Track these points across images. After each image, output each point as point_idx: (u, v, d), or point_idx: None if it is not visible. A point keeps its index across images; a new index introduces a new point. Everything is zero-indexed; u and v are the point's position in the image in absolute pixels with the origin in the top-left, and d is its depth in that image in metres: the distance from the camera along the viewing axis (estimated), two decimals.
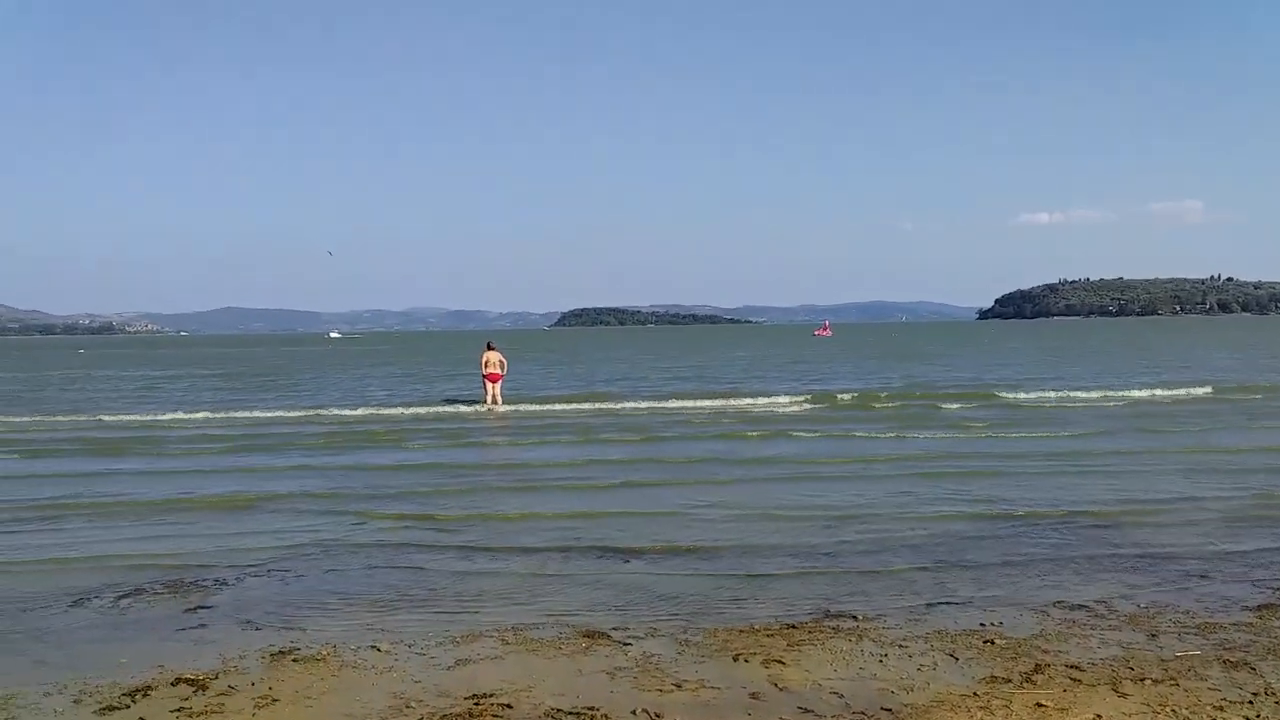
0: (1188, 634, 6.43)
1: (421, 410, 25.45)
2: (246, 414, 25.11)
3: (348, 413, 24.81)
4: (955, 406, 24.15)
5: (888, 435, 18.31)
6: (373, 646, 6.40)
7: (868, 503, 11.45)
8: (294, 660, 6.14)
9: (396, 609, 7.37)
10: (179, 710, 5.31)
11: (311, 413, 25.11)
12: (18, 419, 24.49)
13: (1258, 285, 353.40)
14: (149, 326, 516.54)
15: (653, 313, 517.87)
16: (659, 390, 31.16)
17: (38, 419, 24.42)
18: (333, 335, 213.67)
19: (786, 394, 28.13)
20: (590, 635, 6.57)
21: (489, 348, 26.04)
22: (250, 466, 15.46)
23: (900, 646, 6.26)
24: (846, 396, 27.04)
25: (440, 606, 7.42)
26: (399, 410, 25.38)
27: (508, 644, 6.43)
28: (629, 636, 6.55)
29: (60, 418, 24.78)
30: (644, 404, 26.13)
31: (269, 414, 25.05)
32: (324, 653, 6.27)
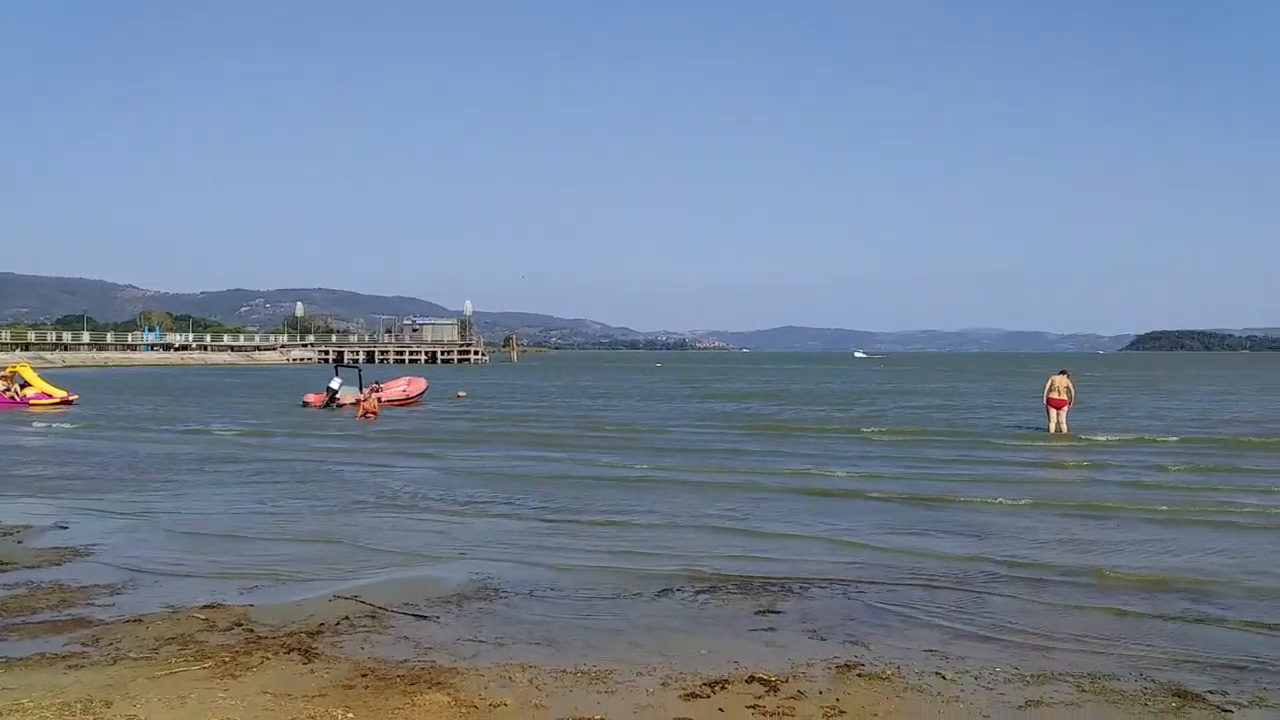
0: None
1: (968, 433, 24.88)
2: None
3: (873, 430, 24.90)
4: None
5: None
6: (937, 673, 6.25)
7: None
8: (859, 675, 6.18)
9: (959, 636, 7.14)
10: (753, 708, 5.57)
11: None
12: None
13: None
14: (715, 344, 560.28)
15: (1247, 336, 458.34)
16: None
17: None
18: (857, 355, 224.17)
19: None
20: (1181, 695, 5.86)
21: (1060, 373, 24.67)
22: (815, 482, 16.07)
23: None
24: None
25: (1006, 640, 7.06)
26: (942, 431, 24.96)
27: (1084, 691, 5.94)
28: (1228, 702, 5.75)
29: None
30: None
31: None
32: (888, 672, 6.24)
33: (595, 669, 6.25)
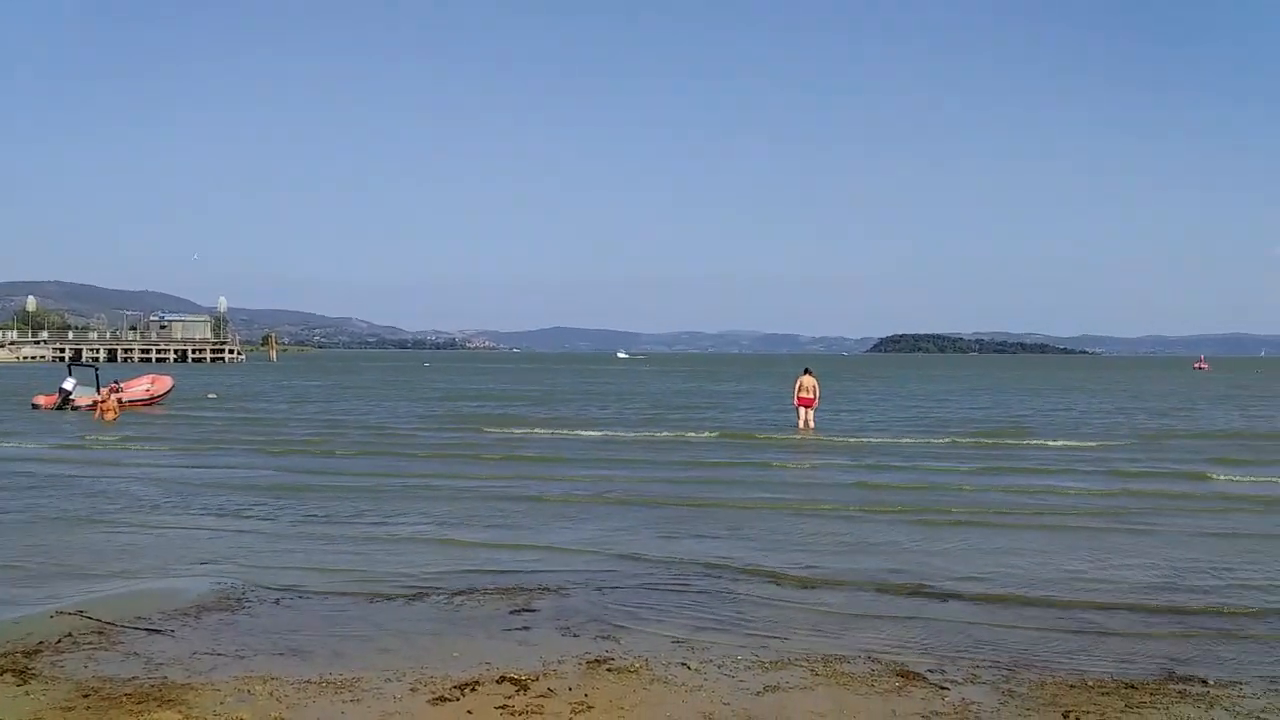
0: None
1: (734, 430, 25.77)
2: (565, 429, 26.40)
3: (630, 435, 25.48)
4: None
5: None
6: (683, 664, 6.45)
7: (1219, 559, 10.34)
8: (608, 670, 6.30)
9: (706, 628, 7.40)
10: (502, 708, 5.57)
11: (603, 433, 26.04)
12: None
13: None
14: (486, 344, 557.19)
15: (976, 339, 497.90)
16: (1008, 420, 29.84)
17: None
18: (619, 355, 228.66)
19: None
20: (904, 675, 6.30)
21: (805, 372, 25.95)
22: (562, 475, 16.22)
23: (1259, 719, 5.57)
24: None
25: (749, 630, 7.38)
26: (697, 433, 25.79)
27: (818, 675, 6.28)
28: (946, 680, 6.23)
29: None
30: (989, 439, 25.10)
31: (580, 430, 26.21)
32: (636, 665, 6.40)
33: (341, 678, 6.09)
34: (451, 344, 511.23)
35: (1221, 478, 16.87)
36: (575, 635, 7.14)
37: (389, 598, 8.23)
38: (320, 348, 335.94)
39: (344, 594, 8.35)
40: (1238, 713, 5.68)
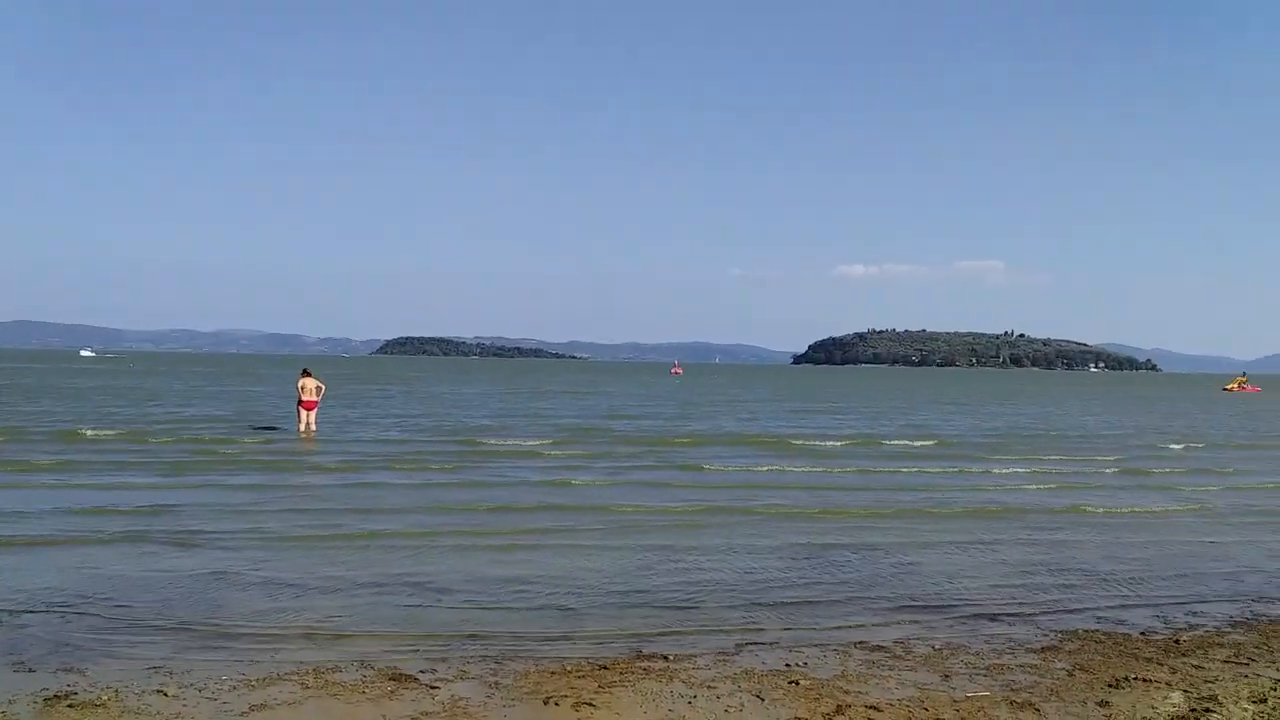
0: (978, 675, 6.72)
1: (228, 436, 24.37)
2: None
3: (110, 433, 23.47)
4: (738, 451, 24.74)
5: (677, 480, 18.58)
6: (159, 691, 6.00)
7: (687, 542, 11.56)
8: (70, 706, 5.70)
9: (188, 649, 6.95)
10: None
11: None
12: None
13: (1046, 343, 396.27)
14: None
15: (477, 344, 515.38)
16: (530, 428, 30.81)
17: None
18: (84, 354, 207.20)
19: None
20: (397, 678, 6.36)
21: (305, 374, 25.15)
22: (35, 497, 14.41)
23: (709, 688, 6.31)
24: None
25: (237, 646, 7.04)
26: (202, 436, 24.21)
27: (308, 688, 6.15)
28: (437, 679, 6.38)
29: None
30: (521, 442, 25.78)
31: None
32: (104, 698, 5.84)
33: None
34: None
35: (707, 468, 18.87)
36: (31, 670, 6.38)
37: None
38: None
39: None
40: (693, 682, 6.40)
